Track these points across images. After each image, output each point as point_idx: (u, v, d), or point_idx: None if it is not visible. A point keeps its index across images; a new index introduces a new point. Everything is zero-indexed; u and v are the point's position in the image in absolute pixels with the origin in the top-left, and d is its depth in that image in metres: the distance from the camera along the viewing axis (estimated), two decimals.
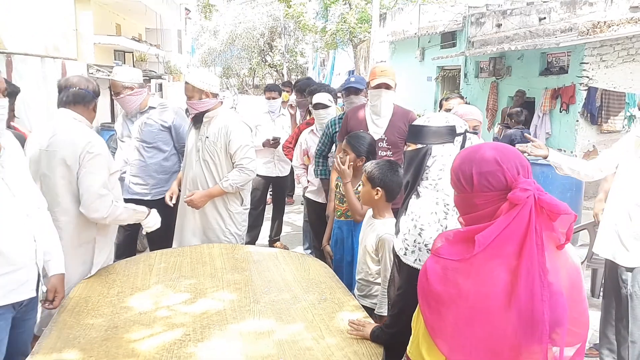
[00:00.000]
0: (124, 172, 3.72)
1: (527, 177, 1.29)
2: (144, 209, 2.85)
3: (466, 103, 3.72)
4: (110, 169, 2.63)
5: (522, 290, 1.20)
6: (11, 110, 3.23)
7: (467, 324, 1.25)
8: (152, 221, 2.90)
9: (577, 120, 8.14)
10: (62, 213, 2.51)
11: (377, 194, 2.54)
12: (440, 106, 3.80)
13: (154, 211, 2.93)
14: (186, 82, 3.31)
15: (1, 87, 2.01)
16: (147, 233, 4.03)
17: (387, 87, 3.32)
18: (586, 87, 7.97)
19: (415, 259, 1.78)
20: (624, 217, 2.80)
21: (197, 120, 3.35)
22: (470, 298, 1.25)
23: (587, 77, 7.98)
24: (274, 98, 5.41)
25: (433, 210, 1.76)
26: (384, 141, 3.36)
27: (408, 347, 1.51)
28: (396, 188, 2.54)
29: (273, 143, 5.00)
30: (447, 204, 1.74)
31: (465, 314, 1.25)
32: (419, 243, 1.77)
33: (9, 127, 3.10)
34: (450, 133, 1.78)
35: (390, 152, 3.35)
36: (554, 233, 1.26)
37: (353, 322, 1.98)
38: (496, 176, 1.29)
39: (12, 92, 3.18)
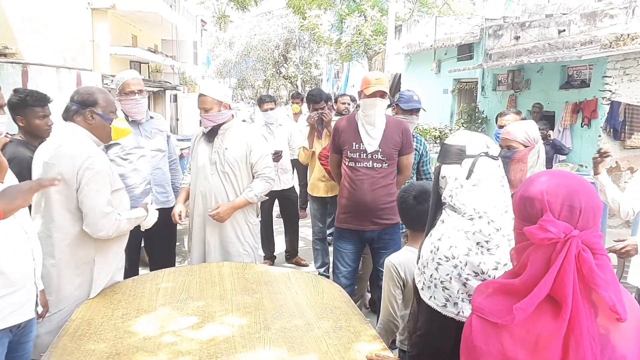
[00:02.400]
0: (148, 184, 3.56)
1: (573, 222, 1.09)
2: (142, 212, 2.71)
3: (522, 119, 3.48)
4: (113, 186, 2.49)
5: None
6: (45, 115, 3.02)
7: None
8: (152, 220, 2.81)
9: (600, 135, 7.91)
10: (56, 229, 2.38)
11: None
12: (496, 122, 3.62)
13: (151, 208, 2.82)
14: (202, 95, 3.19)
15: (2, 103, 1.94)
16: (146, 248, 3.89)
17: (383, 95, 3.18)
18: (609, 102, 7.76)
19: (431, 296, 1.60)
20: None
21: (212, 133, 3.25)
22: None
23: (610, 91, 7.77)
24: (271, 109, 5.20)
25: (453, 243, 1.56)
26: (379, 153, 3.21)
27: None
28: (410, 219, 2.41)
29: (275, 157, 4.86)
30: (469, 239, 1.54)
31: None
32: (435, 279, 1.58)
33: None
34: (458, 154, 1.61)
35: (387, 165, 3.21)
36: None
37: (372, 358, 1.83)
38: (533, 204, 1.11)
39: (41, 99, 3.03)
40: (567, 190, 1.12)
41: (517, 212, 1.18)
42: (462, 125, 11.28)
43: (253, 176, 3.31)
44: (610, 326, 1.09)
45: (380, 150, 3.20)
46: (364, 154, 3.22)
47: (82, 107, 2.44)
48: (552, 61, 8.36)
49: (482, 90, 11.63)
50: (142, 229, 2.86)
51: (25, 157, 2.75)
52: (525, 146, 2.54)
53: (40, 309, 2.14)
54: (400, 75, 16.41)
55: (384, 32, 15.87)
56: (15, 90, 2.97)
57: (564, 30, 9.85)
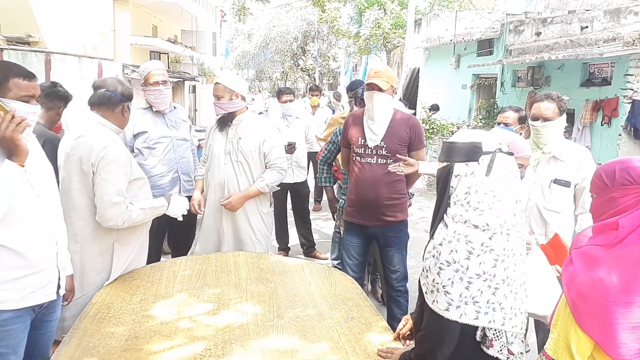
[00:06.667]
0: (176, 173, 3.62)
1: None
2: (162, 202, 2.73)
3: (521, 117, 3.45)
4: (132, 175, 2.54)
5: None
6: (57, 114, 3.23)
7: (614, 314, 1.34)
8: (176, 209, 2.79)
9: (620, 135, 7.81)
10: (78, 218, 2.47)
11: None
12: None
13: (174, 197, 2.82)
14: (217, 83, 3.29)
15: (35, 93, 2.00)
16: (168, 236, 3.98)
17: (378, 89, 3.09)
18: (630, 100, 7.64)
19: (434, 300, 1.62)
20: None
21: (225, 122, 3.32)
22: (616, 288, 1.34)
23: (632, 89, 7.65)
24: (290, 101, 5.27)
25: (454, 248, 1.58)
26: (383, 149, 3.15)
27: (547, 346, 1.50)
28: None
29: (289, 149, 4.89)
30: (470, 242, 1.56)
31: (612, 303, 1.35)
32: (437, 283, 1.60)
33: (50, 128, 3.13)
34: (475, 150, 1.62)
35: (391, 160, 3.14)
36: None
37: (382, 350, 1.87)
38: (637, 170, 1.44)
39: (62, 97, 3.22)
40: None
41: (620, 179, 1.46)
42: (480, 122, 11.19)
43: (266, 166, 3.35)
44: None
45: (385, 145, 3.15)
46: (368, 149, 3.18)
47: (125, 100, 2.55)
48: (574, 58, 8.26)
49: (501, 86, 11.52)
50: (180, 217, 2.86)
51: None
52: None
53: (62, 292, 2.21)
54: (418, 69, 16.30)
55: (404, 26, 15.74)
56: None
57: (587, 27, 9.69)
